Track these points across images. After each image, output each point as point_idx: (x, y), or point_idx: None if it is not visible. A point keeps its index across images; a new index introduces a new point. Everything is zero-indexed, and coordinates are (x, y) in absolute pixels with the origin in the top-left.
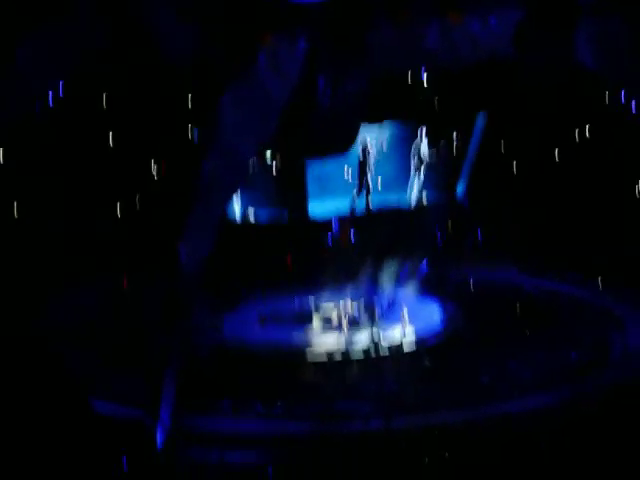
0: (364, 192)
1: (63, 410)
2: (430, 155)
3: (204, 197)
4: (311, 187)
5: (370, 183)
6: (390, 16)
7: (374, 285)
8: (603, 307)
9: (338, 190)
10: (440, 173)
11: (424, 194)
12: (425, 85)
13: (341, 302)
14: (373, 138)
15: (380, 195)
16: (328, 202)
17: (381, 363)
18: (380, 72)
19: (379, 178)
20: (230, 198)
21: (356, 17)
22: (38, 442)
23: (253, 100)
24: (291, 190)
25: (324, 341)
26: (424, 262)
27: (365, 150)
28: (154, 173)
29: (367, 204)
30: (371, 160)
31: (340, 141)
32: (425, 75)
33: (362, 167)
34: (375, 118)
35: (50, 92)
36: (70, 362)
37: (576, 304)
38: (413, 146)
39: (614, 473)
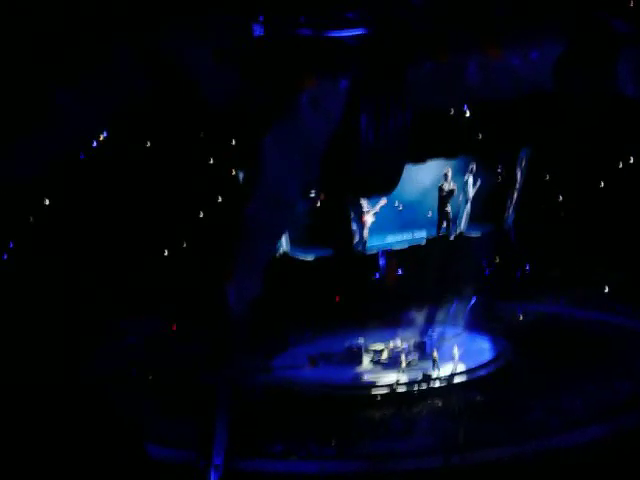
0: (444, 223)
1: (119, 456)
2: (477, 188)
3: (250, 240)
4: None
5: (450, 214)
6: (430, 52)
7: (423, 321)
8: None
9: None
10: (487, 206)
11: (470, 227)
12: (468, 121)
13: (391, 340)
14: (452, 172)
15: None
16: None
17: (433, 400)
18: (422, 109)
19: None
20: (277, 240)
21: (396, 54)
22: None
23: (296, 141)
24: (337, 229)
25: (373, 379)
26: (473, 296)
27: (444, 184)
28: (201, 216)
29: (448, 234)
30: (450, 193)
31: (385, 181)
32: (467, 110)
33: (442, 200)
34: (419, 157)
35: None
36: (123, 408)
37: (627, 334)
38: (461, 180)
39: None
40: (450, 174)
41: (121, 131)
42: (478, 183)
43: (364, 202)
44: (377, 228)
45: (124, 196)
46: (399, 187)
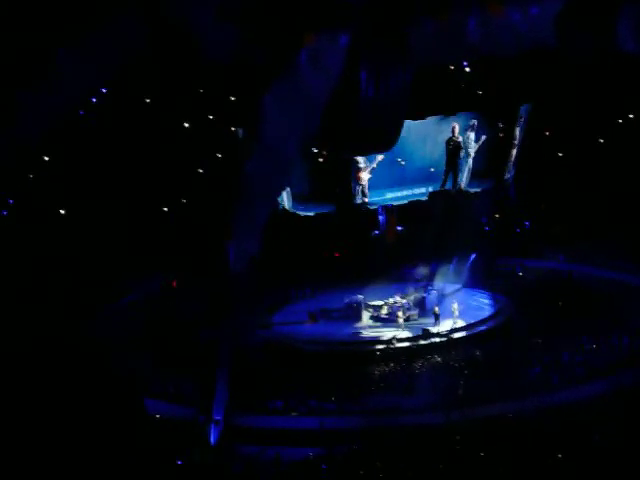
0: (451, 177)
1: (118, 410)
2: (480, 144)
3: (250, 196)
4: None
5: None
6: (430, 9)
7: (423, 277)
8: None
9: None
10: (488, 162)
11: (471, 182)
12: (468, 77)
13: (390, 296)
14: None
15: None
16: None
17: (433, 356)
18: (422, 65)
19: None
20: (276, 196)
21: (397, 12)
22: (93, 440)
23: (295, 98)
24: (337, 186)
25: (374, 335)
26: (472, 252)
27: (452, 138)
28: (200, 174)
29: (456, 186)
30: (457, 146)
31: (383, 138)
32: (467, 68)
33: (450, 154)
34: (418, 113)
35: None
36: (123, 362)
37: (627, 290)
38: (463, 136)
39: None
40: (458, 128)
41: (121, 88)
42: (482, 138)
43: (360, 159)
44: (377, 184)
45: (124, 152)
46: (399, 143)
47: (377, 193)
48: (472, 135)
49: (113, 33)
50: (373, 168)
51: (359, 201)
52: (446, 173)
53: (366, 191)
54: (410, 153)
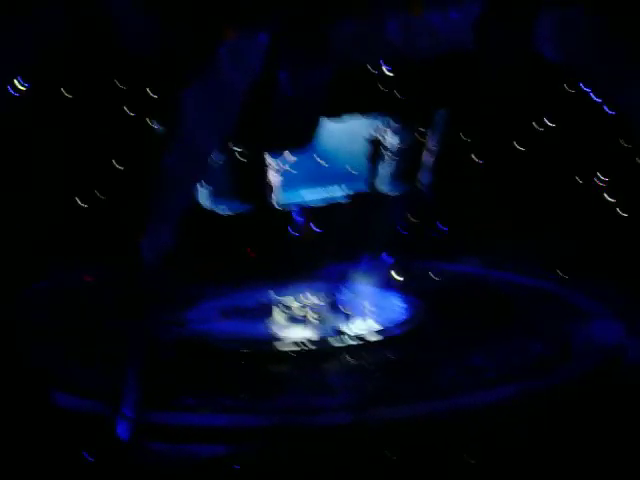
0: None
1: (21, 402)
2: (393, 146)
3: (165, 191)
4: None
5: (377, 171)
6: (350, 8)
7: (337, 277)
8: (567, 300)
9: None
10: (403, 164)
11: (387, 185)
12: (386, 78)
13: (303, 295)
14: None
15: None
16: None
17: (343, 356)
18: (341, 64)
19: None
20: (191, 192)
21: (317, 9)
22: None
23: (214, 94)
24: (253, 183)
25: (287, 334)
26: (387, 254)
27: (376, 139)
28: (115, 167)
29: (373, 190)
30: (381, 149)
31: (300, 136)
32: (386, 68)
33: (373, 155)
34: (335, 112)
35: (8, 86)
36: (29, 355)
37: (540, 297)
38: (376, 136)
39: (577, 468)
40: (382, 129)
41: (39, 79)
42: (399, 141)
43: (270, 160)
44: (293, 183)
45: (42, 144)
46: (320, 142)
47: (292, 192)
48: (393, 137)
49: (31, 21)
50: (284, 169)
51: (282, 199)
52: (371, 173)
53: (277, 192)
54: (328, 152)
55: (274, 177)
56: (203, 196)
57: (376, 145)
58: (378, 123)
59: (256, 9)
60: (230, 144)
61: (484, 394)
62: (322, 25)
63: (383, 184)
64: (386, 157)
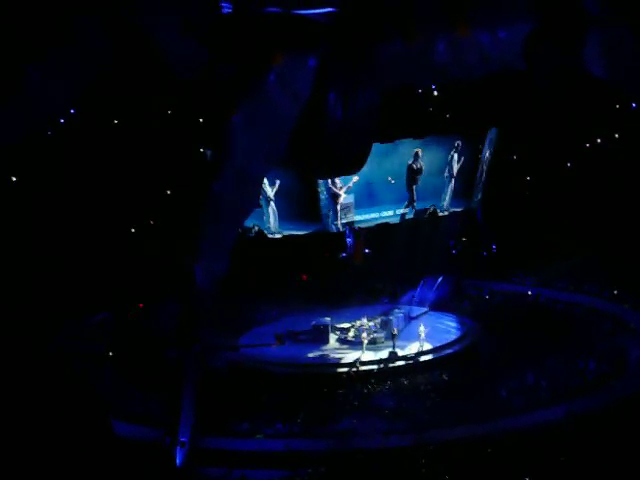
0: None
1: (85, 430)
2: (458, 165)
3: (217, 217)
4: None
5: (415, 195)
6: (399, 30)
7: (391, 300)
8: (619, 317)
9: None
10: (462, 183)
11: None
12: (436, 101)
13: (357, 319)
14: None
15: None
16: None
17: (398, 378)
18: (390, 87)
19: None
20: (243, 217)
21: (365, 32)
22: (60, 462)
23: (264, 119)
24: (308, 208)
25: (341, 357)
26: (440, 275)
27: (414, 163)
28: (168, 194)
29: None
30: (418, 173)
31: (351, 160)
32: (436, 91)
33: (410, 180)
34: (387, 137)
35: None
36: (89, 383)
37: (593, 315)
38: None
39: None
40: (420, 154)
41: (88, 106)
42: (462, 160)
43: (337, 179)
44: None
45: (91, 172)
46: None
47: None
48: (455, 156)
49: (80, 48)
50: (349, 188)
51: (336, 222)
52: (410, 197)
53: (339, 212)
54: (381, 175)
55: (345, 198)
56: (272, 219)
57: (411, 170)
58: (418, 149)
59: (304, 34)
60: (281, 168)
61: (537, 414)
62: (370, 47)
63: (448, 203)
64: (452, 176)
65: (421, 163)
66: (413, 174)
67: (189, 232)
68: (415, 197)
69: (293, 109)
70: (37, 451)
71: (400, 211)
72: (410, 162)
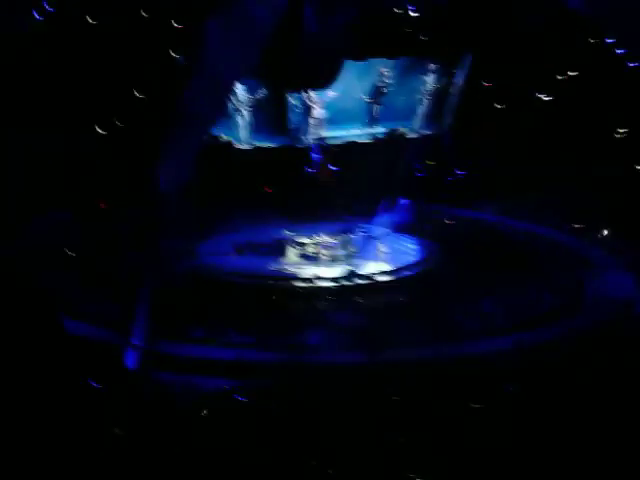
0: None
1: (33, 326)
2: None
3: (185, 122)
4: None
5: (377, 113)
6: None
7: (352, 218)
8: (580, 251)
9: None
10: (434, 105)
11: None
12: (412, 21)
13: (318, 234)
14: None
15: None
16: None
17: (355, 296)
18: (368, 6)
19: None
20: (212, 124)
21: None
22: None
23: (239, 26)
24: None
25: (299, 272)
26: (403, 197)
27: (381, 81)
28: (137, 96)
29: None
30: (381, 90)
31: (324, 76)
32: (411, 9)
33: (374, 97)
34: (361, 55)
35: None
36: (43, 282)
37: (553, 247)
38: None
39: (577, 421)
40: (387, 74)
41: (60, 9)
42: (435, 84)
43: (312, 93)
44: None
45: (62, 69)
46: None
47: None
48: (429, 79)
49: None
50: (324, 102)
51: (307, 135)
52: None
53: (312, 126)
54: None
55: (319, 112)
56: (242, 129)
57: (377, 90)
58: (384, 68)
59: None
60: (252, 78)
61: (491, 341)
62: None
63: (419, 125)
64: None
65: (385, 83)
66: (378, 92)
67: (155, 136)
68: (377, 117)
69: (269, 20)
70: None
71: (369, 130)
72: (375, 82)
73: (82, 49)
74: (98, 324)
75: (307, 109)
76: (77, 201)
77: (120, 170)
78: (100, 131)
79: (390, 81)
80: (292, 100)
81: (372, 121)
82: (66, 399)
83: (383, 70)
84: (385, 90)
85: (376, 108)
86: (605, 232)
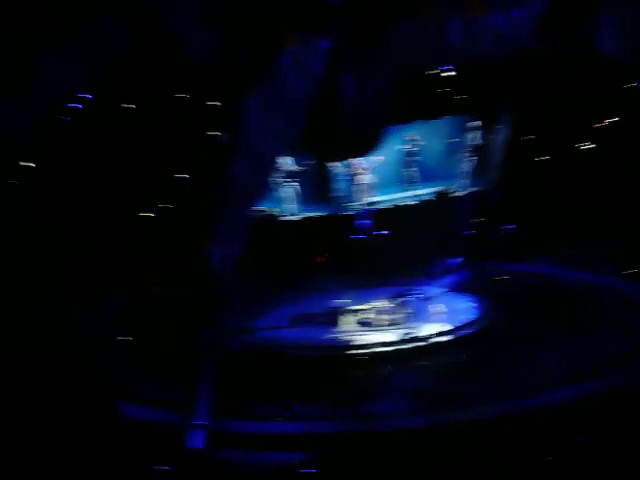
0: (409, 184)
1: (92, 415)
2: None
3: (233, 200)
4: None
5: (414, 175)
6: (411, 11)
7: (407, 281)
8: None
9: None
10: (478, 162)
11: (464, 183)
12: (450, 82)
13: (374, 300)
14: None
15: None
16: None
17: (417, 360)
18: (403, 69)
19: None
20: (258, 200)
21: (377, 13)
22: (67, 446)
23: (278, 101)
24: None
25: (357, 339)
26: (457, 256)
27: (412, 145)
28: (181, 179)
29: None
30: (416, 153)
31: (365, 142)
32: (449, 72)
33: (409, 160)
34: (401, 119)
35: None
36: (102, 368)
37: (612, 296)
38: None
39: None
40: (416, 137)
41: (104, 92)
42: (478, 140)
43: (356, 160)
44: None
45: (108, 158)
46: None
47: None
48: (471, 136)
49: (96, 33)
50: (370, 168)
51: (357, 203)
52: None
53: (359, 193)
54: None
55: (367, 177)
56: (290, 201)
57: (410, 153)
58: (415, 134)
59: (317, 16)
60: (295, 151)
61: (555, 394)
62: (383, 27)
63: (465, 183)
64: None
65: (416, 147)
66: (409, 157)
67: (205, 215)
68: (414, 179)
69: (307, 91)
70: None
71: (415, 192)
72: (406, 145)
73: (130, 137)
74: (161, 408)
75: (353, 176)
76: (131, 285)
77: (173, 251)
78: (150, 214)
79: (421, 144)
80: (337, 168)
81: (410, 183)
82: None
83: (412, 136)
84: (416, 153)
85: (411, 171)
86: None
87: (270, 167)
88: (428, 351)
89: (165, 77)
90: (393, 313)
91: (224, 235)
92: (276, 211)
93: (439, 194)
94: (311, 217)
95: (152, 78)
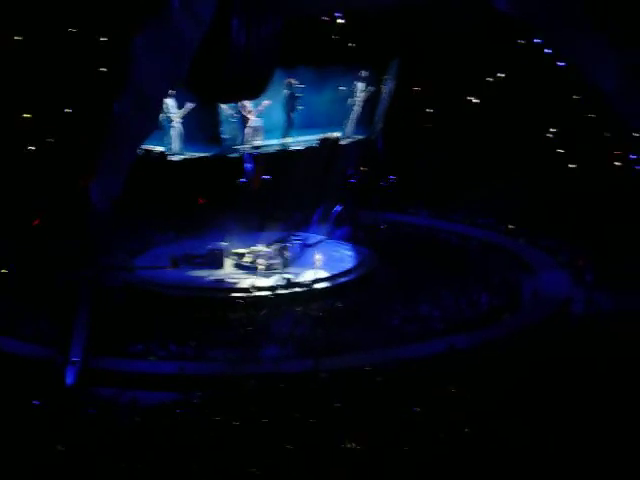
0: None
1: None
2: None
3: (116, 138)
4: None
5: (293, 121)
6: None
7: (287, 227)
8: (514, 252)
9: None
10: (365, 111)
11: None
12: (339, 29)
13: (254, 244)
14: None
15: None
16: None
17: (293, 305)
18: (295, 16)
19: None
20: (142, 139)
21: None
22: None
23: (166, 42)
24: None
25: (236, 283)
26: (337, 204)
27: (291, 90)
28: (67, 114)
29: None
30: (295, 99)
31: (253, 86)
32: (339, 20)
33: (289, 106)
34: (289, 63)
35: None
36: None
37: (487, 248)
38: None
39: (518, 414)
40: (293, 82)
41: None
42: (366, 89)
43: (246, 103)
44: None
45: None
46: None
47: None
48: (359, 85)
49: None
50: (259, 111)
51: (246, 144)
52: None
53: (247, 135)
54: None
55: (254, 120)
56: (176, 140)
57: (290, 97)
58: (290, 79)
59: None
60: (182, 91)
61: (430, 345)
62: None
63: (351, 130)
64: (354, 104)
65: (296, 91)
66: (290, 101)
67: (86, 152)
68: (293, 123)
69: (195, 33)
70: None
71: (300, 138)
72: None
73: (13, 65)
74: (36, 343)
75: (242, 119)
76: (8, 219)
77: (52, 187)
78: (30, 147)
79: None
80: (226, 111)
81: (290, 128)
82: (7, 417)
83: (289, 80)
84: (297, 97)
85: (292, 115)
86: (541, 231)
87: (155, 106)
88: (304, 297)
89: (55, 9)
90: (272, 258)
91: (105, 172)
92: (161, 150)
93: (323, 141)
94: (196, 158)
95: (42, 10)
